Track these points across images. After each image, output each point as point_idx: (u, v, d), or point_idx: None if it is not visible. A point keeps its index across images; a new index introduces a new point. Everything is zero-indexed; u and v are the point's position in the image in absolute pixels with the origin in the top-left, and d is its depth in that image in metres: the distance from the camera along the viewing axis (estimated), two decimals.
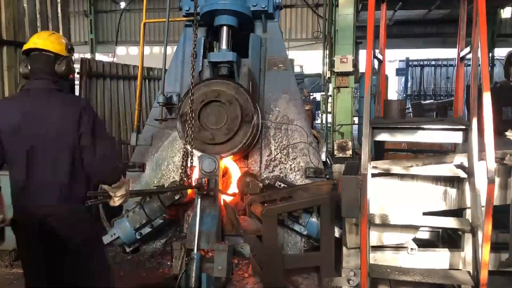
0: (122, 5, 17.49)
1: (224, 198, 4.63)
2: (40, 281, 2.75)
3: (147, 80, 8.91)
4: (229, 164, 4.85)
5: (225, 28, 4.75)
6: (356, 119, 10.78)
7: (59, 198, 2.67)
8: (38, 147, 2.62)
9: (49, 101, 2.70)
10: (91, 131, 2.68)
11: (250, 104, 4.50)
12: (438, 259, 3.64)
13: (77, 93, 7.33)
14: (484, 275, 3.13)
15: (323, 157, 5.15)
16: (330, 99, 9.31)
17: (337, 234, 4.08)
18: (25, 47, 2.75)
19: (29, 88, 2.75)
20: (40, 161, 2.63)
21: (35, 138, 2.62)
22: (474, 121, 3.39)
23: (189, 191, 4.56)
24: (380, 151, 5.30)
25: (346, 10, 7.66)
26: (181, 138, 4.61)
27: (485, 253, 3.11)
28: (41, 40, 2.74)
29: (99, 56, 18.29)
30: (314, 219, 4.46)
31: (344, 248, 3.85)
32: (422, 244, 3.91)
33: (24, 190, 2.66)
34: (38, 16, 6.62)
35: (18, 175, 2.66)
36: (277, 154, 4.93)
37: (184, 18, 5.19)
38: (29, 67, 2.74)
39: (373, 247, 3.62)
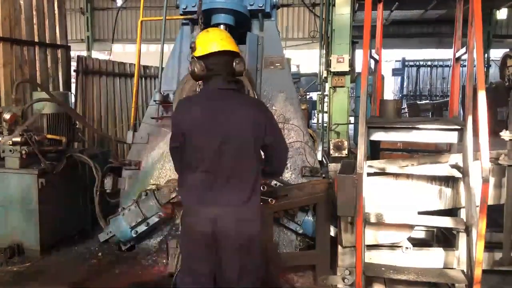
0: (119, 3, 17.44)
1: None
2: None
3: (143, 78, 8.90)
4: None
5: (222, 26, 4.74)
6: (352, 119, 10.81)
7: (241, 197, 2.60)
8: (229, 147, 2.56)
9: (235, 101, 2.65)
10: (275, 132, 2.74)
11: (247, 80, 4.45)
12: (432, 258, 3.66)
13: (73, 90, 7.33)
14: (478, 274, 3.16)
15: (319, 156, 5.17)
16: (326, 99, 9.32)
17: (332, 233, 4.09)
18: (210, 50, 2.62)
19: (211, 89, 2.66)
20: (229, 162, 2.56)
21: (226, 139, 2.55)
22: (469, 121, 3.41)
23: None
24: (375, 151, 5.32)
25: (342, 10, 7.66)
26: None
27: (479, 252, 3.14)
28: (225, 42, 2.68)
29: (95, 54, 18.24)
30: (309, 218, 4.48)
31: (339, 247, 3.87)
32: (417, 243, 3.93)
33: (207, 190, 2.57)
34: (34, 13, 6.59)
35: (202, 175, 2.57)
36: None
37: (181, 17, 5.19)
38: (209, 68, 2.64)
39: (368, 246, 3.64)
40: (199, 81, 3.01)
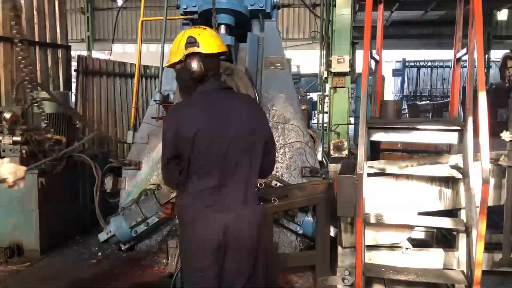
0: (119, 3, 17.45)
1: None
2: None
3: (143, 78, 8.90)
4: None
5: (222, 27, 4.74)
6: (352, 119, 10.82)
7: (248, 199, 2.56)
8: (238, 148, 2.49)
9: (236, 100, 2.59)
10: (270, 129, 2.71)
11: (247, 78, 4.44)
12: (432, 258, 3.66)
13: (73, 90, 7.33)
14: (477, 275, 3.16)
15: (319, 156, 5.16)
16: (326, 99, 9.33)
17: (332, 233, 4.09)
18: (222, 49, 2.57)
19: (210, 89, 2.55)
20: (236, 163, 2.49)
21: (235, 140, 2.48)
22: (470, 122, 3.41)
23: None
24: (375, 151, 5.32)
25: (343, 10, 7.67)
26: None
27: (479, 253, 3.14)
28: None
29: (95, 54, 18.26)
30: (309, 218, 4.48)
31: (339, 247, 3.87)
32: (417, 243, 3.93)
33: (217, 194, 2.49)
34: (35, 13, 6.60)
35: (211, 180, 2.48)
36: None
37: (182, 17, 5.19)
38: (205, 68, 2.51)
39: (368, 246, 3.64)
40: None
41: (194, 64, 2.49)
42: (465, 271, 3.42)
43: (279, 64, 5.11)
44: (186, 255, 2.64)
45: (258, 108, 2.70)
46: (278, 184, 4.74)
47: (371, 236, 3.65)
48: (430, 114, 15.92)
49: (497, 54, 16.37)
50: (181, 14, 5.15)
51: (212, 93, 2.55)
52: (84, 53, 17.00)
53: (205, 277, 2.54)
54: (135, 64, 5.97)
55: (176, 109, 2.64)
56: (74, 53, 8.66)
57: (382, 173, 3.63)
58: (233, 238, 2.50)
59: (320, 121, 10.96)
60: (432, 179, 3.64)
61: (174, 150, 2.49)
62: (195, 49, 2.49)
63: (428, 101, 21.09)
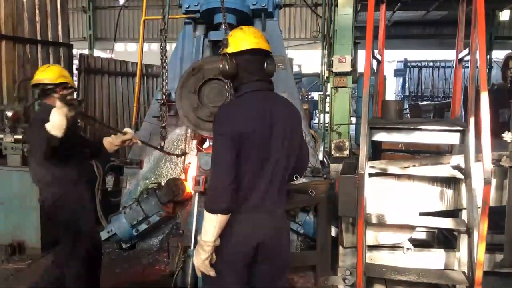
0: (121, 1, 17.46)
1: None
2: None
3: (145, 77, 8.91)
4: None
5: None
6: (353, 119, 10.82)
7: (282, 200, 2.56)
8: (282, 148, 2.47)
9: (279, 101, 2.57)
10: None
11: None
12: (433, 259, 3.66)
13: None
14: (479, 275, 3.16)
15: (321, 156, 5.16)
16: (328, 99, 9.32)
17: (333, 233, 4.09)
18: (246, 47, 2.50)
19: (254, 90, 2.50)
20: (281, 163, 2.47)
21: (281, 140, 2.45)
22: (471, 123, 3.41)
23: (187, 188, 4.58)
24: (377, 152, 5.32)
25: (345, 10, 7.66)
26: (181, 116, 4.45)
27: (480, 253, 3.14)
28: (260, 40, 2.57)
29: (97, 52, 18.27)
30: (310, 218, 4.48)
31: (340, 247, 3.88)
32: (418, 244, 3.93)
33: (264, 194, 2.43)
34: (37, 11, 6.61)
35: (260, 180, 2.42)
36: None
37: (184, 16, 5.19)
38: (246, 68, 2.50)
39: (369, 246, 3.64)
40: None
41: (221, 65, 2.51)
42: (466, 272, 3.42)
43: (280, 64, 5.11)
44: (223, 258, 2.47)
45: (297, 110, 2.66)
46: None
47: (372, 236, 3.65)
48: (432, 114, 15.90)
49: (499, 55, 16.35)
50: (183, 13, 5.15)
51: (257, 93, 2.50)
52: (86, 51, 17.03)
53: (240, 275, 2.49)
54: (136, 63, 5.98)
55: (230, 109, 2.51)
56: (75, 52, 8.66)
57: (383, 173, 3.62)
58: (276, 238, 2.49)
59: (322, 121, 10.96)
60: (433, 180, 3.64)
61: (234, 151, 2.35)
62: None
63: (429, 101, 21.07)
